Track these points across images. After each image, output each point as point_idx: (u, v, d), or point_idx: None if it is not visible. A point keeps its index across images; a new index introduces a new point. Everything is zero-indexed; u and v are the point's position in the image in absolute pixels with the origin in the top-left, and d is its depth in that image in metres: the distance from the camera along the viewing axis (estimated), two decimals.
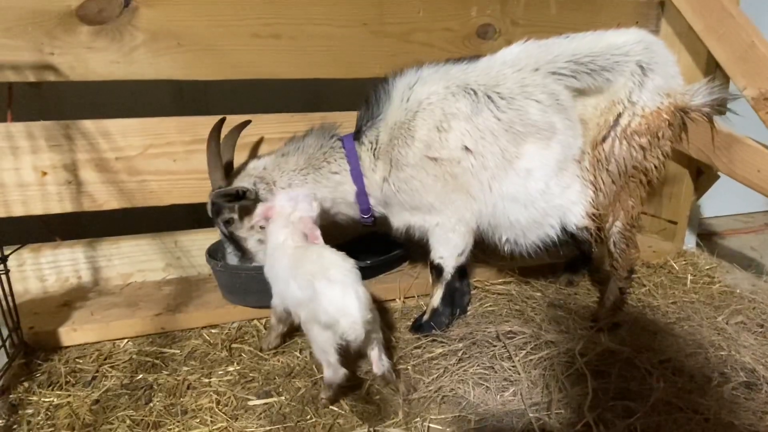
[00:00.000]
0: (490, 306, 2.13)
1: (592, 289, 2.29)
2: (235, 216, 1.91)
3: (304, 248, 1.61)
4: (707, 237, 2.96)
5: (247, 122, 2.03)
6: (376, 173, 1.89)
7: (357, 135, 1.91)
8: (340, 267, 1.47)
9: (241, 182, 1.87)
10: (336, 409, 1.54)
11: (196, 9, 2.00)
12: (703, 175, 2.66)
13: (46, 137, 1.96)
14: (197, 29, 2.01)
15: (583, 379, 1.58)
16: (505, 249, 1.97)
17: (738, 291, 2.24)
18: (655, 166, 1.85)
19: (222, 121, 1.88)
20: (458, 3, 2.30)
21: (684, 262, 2.51)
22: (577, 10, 2.47)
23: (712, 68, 2.43)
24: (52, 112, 2.26)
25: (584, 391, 1.53)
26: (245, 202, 1.86)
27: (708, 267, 2.46)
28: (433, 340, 1.88)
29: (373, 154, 1.88)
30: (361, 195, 1.91)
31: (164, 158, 2.11)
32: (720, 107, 1.87)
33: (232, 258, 2.02)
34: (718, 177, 2.64)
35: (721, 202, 3.24)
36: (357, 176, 1.88)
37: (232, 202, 1.86)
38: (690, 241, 2.80)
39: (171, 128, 2.09)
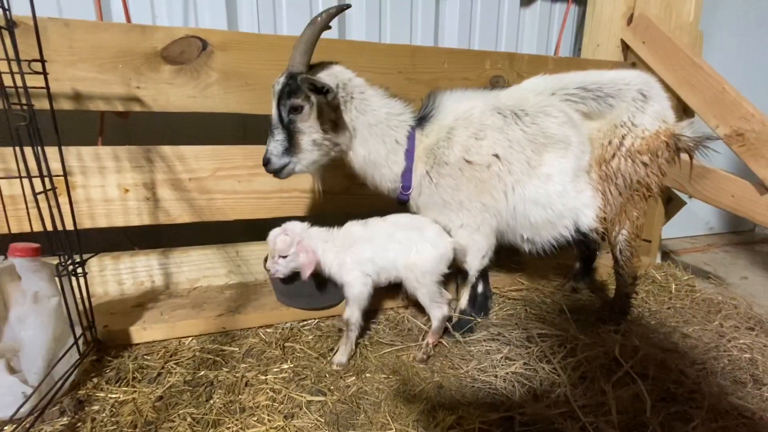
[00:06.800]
0: (509, 310, 1.77)
1: (592, 296, 1.93)
2: (307, 107, 1.35)
3: (388, 219, 1.56)
4: (665, 255, 2.63)
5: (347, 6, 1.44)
6: (420, 164, 1.51)
7: (420, 121, 1.53)
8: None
9: (326, 80, 1.34)
10: (385, 411, 1.18)
11: (262, 55, 1.72)
12: (672, 202, 2.35)
13: (130, 159, 1.65)
14: (262, 71, 1.73)
15: (623, 382, 1.22)
16: (525, 248, 1.62)
17: (720, 298, 1.89)
18: (655, 182, 1.56)
19: (345, 7, 1.36)
20: (475, 57, 2.04)
21: (664, 273, 2.16)
22: (567, 66, 2.22)
23: (681, 115, 2.15)
24: (137, 137, 1.95)
25: (628, 394, 1.16)
26: (321, 99, 1.32)
27: (686, 278, 2.11)
28: (465, 341, 1.52)
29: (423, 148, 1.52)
30: (407, 173, 1.52)
31: (230, 180, 1.79)
32: (702, 144, 1.58)
33: (274, 146, 1.36)
34: (685, 203, 2.33)
35: (669, 227, 2.92)
36: (410, 157, 1.50)
37: (311, 93, 1.32)
38: (657, 258, 2.46)
39: (237, 154, 1.78)
